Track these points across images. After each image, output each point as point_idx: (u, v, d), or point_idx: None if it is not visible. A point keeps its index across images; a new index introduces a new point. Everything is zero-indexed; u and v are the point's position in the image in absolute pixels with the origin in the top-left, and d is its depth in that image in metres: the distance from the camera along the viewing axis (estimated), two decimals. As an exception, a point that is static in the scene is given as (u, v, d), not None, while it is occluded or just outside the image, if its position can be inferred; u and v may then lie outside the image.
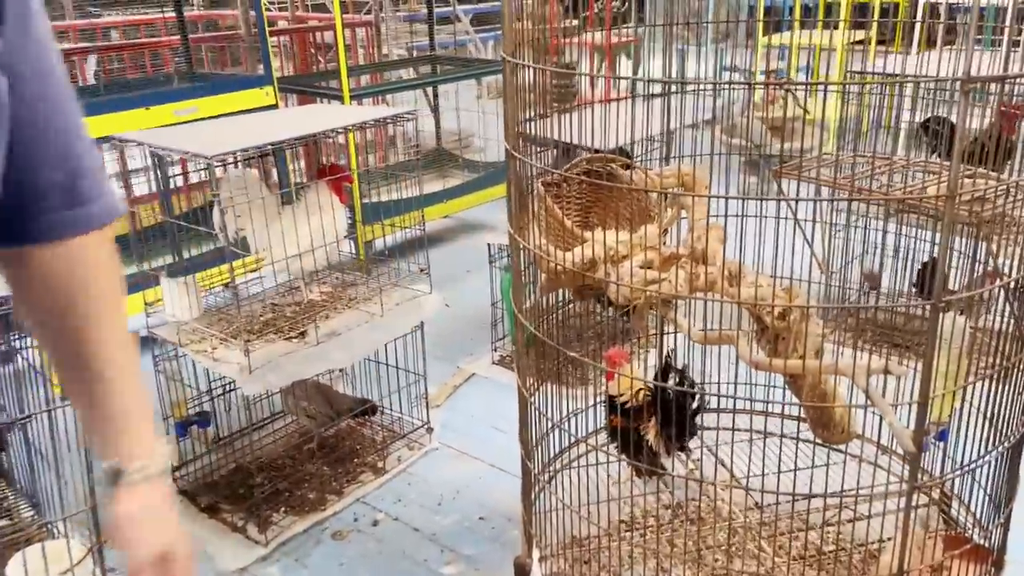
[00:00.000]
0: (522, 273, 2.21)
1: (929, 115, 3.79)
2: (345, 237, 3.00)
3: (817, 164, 2.53)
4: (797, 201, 1.88)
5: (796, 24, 7.32)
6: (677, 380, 2.28)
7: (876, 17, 7.03)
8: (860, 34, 7.19)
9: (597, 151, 2.62)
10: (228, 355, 2.70)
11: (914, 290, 3.91)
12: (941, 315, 1.63)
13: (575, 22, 7.66)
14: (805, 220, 3.06)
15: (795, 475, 2.43)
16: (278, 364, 2.70)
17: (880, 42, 7.58)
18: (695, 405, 2.36)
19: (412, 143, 3.73)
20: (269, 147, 2.55)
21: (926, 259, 3.79)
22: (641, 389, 2.35)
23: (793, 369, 1.89)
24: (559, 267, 2.09)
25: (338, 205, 2.91)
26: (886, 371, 1.63)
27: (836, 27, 6.98)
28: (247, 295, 3.18)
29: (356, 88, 4.90)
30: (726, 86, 6.11)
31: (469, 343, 4.13)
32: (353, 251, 4.42)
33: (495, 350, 3.99)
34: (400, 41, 7.98)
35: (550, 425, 2.60)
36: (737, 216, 2.51)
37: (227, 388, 3.17)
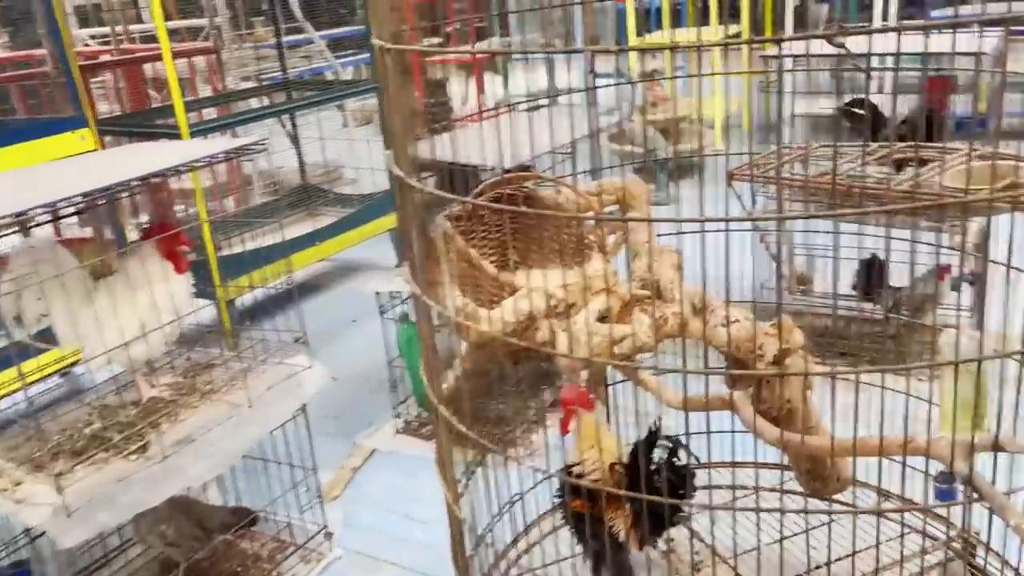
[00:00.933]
0: (434, 345, 1.61)
1: (851, 98, 3.46)
2: (190, 313, 2.30)
3: (777, 161, 2.08)
4: (816, 218, 1.42)
5: (667, 22, 7.07)
6: (666, 457, 1.70)
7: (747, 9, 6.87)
8: (732, 29, 7.02)
9: (506, 170, 2.07)
10: (36, 492, 1.96)
11: (853, 291, 3.57)
12: None
13: (437, 40, 7.17)
14: (766, 231, 2.63)
15: (807, 541, 1.95)
16: (110, 496, 1.98)
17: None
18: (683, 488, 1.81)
19: (270, 180, 3.10)
20: (60, 204, 1.85)
21: (865, 257, 3.44)
22: (615, 464, 1.78)
23: (843, 452, 1.37)
24: (485, 332, 1.51)
25: (174, 274, 2.21)
26: (996, 447, 1.12)
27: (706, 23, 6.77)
28: (52, 405, 2.42)
29: (198, 123, 4.17)
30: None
31: (365, 411, 3.47)
32: (213, 318, 3.67)
33: (398, 416, 3.35)
34: (246, 69, 7.20)
35: (481, 532, 2.01)
36: (691, 233, 2.00)
37: (52, 523, 2.40)
